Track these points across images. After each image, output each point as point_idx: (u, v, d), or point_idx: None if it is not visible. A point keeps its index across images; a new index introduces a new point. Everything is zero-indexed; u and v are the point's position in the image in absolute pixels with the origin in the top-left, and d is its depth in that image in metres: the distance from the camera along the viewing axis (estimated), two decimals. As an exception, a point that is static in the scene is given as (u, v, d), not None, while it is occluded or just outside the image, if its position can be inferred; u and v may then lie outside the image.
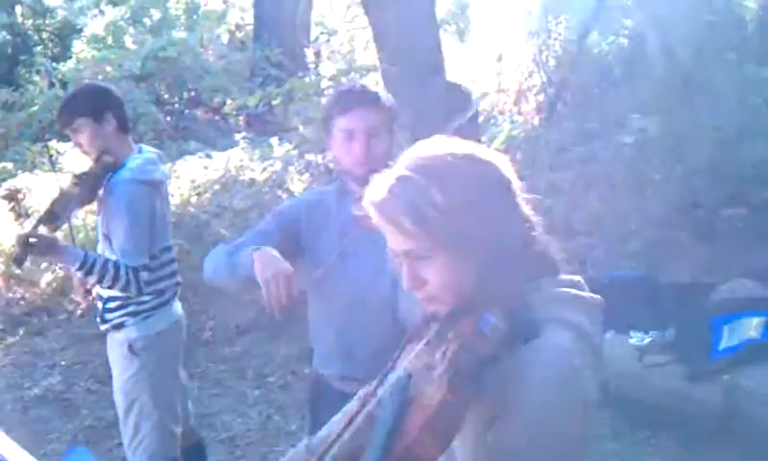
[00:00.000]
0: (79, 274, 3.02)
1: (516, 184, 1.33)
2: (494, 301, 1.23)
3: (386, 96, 2.35)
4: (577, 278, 1.35)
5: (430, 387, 1.18)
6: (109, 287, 2.99)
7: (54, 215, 3.06)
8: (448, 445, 1.15)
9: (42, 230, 3.03)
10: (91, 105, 3.07)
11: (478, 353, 1.20)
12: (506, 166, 1.33)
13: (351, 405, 1.60)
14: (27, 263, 3.20)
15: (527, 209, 1.33)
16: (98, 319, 3.25)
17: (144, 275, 2.98)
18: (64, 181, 3.24)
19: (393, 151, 2.34)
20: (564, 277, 1.35)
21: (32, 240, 2.94)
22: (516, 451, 1.17)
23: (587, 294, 1.33)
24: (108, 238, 3.05)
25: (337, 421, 1.58)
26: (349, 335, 2.35)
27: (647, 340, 4.07)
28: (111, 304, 3.11)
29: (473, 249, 1.25)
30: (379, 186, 1.30)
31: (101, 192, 3.10)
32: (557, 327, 1.24)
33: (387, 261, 2.24)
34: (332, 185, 2.52)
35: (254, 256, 2.23)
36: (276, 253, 2.24)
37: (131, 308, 3.09)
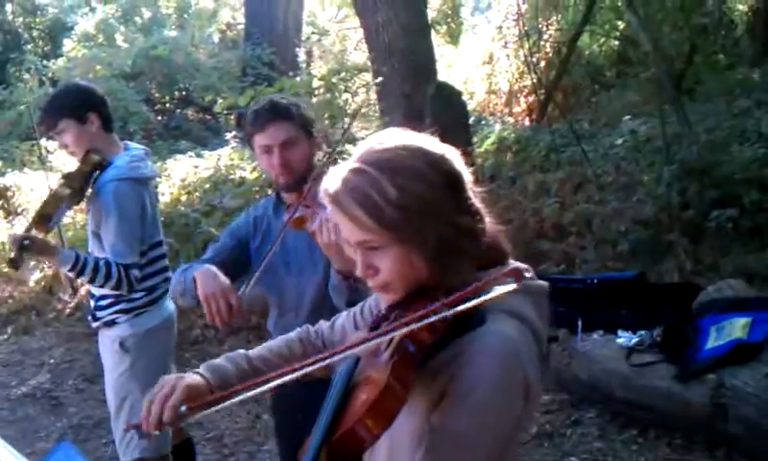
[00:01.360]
0: (71, 274, 3.02)
1: (468, 177, 1.36)
2: (443, 289, 1.26)
3: (297, 106, 2.49)
4: (525, 266, 1.39)
5: (376, 371, 1.22)
6: (101, 286, 3.00)
7: (46, 217, 3.05)
8: (388, 427, 1.18)
9: (35, 232, 3.03)
10: (73, 106, 3.04)
11: (425, 340, 1.24)
12: (457, 159, 1.35)
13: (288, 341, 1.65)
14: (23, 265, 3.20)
15: (477, 201, 1.37)
16: (89, 316, 3.24)
17: (135, 272, 2.98)
18: (54, 182, 3.23)
19: (315, 151, 2.54)
20: (513, 265, 1.39)
21: (26, 243, 2.95)
22: (460, 433, 1.22)
23: (534, 282, 1.38)
24: (97, 236, 3.04)
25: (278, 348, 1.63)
26: None
27: (635, 340, 4.10)
28: (103, 302, 3.10)
29: (425, 241, 1.28)
30: (334, 177, 1.31)
31: (89, 191, 3.09)
32: (502, 315, 1.29)
33: (318, 264, 2.39)
34: (271, 196, 2.64)
35: (195, 275, 2.36)
36: (215, 270, 2.35)
37: (122, 305, 3.07)
